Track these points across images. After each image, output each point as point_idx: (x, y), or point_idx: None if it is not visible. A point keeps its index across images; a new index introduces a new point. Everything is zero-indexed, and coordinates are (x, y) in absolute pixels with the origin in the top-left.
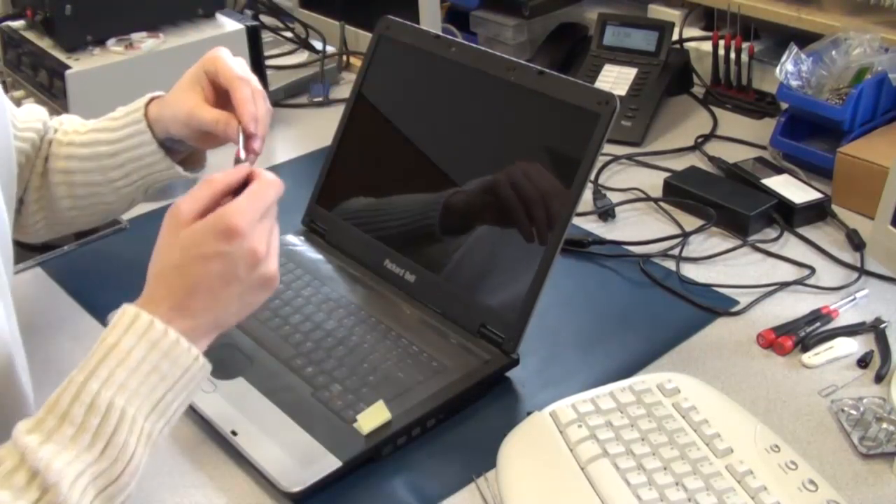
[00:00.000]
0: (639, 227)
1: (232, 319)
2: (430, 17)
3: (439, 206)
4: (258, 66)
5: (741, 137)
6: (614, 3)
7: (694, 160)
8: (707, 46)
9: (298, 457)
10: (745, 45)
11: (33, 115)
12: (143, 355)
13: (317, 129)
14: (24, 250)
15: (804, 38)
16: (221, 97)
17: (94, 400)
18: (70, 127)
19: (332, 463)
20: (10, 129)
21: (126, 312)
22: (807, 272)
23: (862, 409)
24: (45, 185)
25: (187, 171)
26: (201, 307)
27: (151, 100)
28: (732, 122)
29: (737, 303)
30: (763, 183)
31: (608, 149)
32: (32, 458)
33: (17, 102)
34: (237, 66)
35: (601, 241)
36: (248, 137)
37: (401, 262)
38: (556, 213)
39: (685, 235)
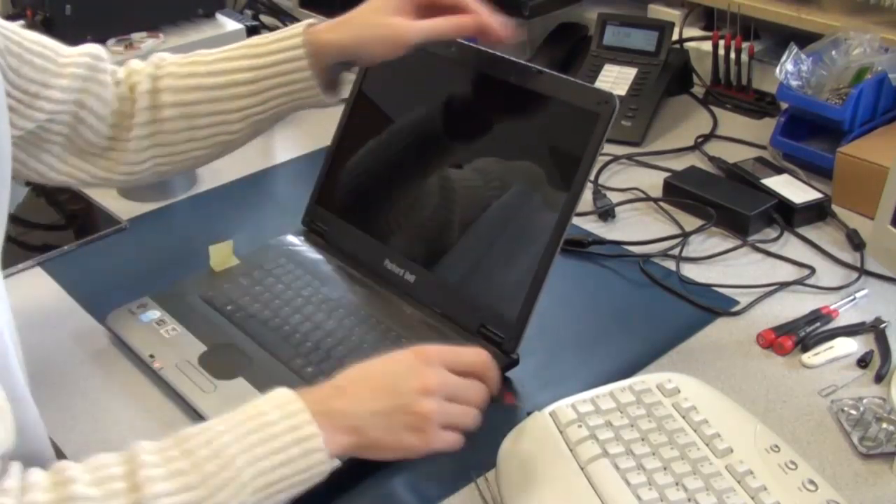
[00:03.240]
0: (639, 227)
1: (373, 434)
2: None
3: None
4: None
5: (741, 137)
6: (614, 3)
7: (694, 160)
8: (707, 46)
9: None
10: (745, 45)
11: (80, 48)
12: (282, 433)
13: (317, 129)
14: (25, 250)
15: (804, 38)
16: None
17: (221, 451)
18: (181, 59)
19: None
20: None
21: (284, 392)
22: (807, 272)
23: (862, 409)
24: (156, 120)
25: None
26: (355, 397)
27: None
28: (732, 122)
29: (737, 303)
30: (763, 183)
31: (608, 149)
32: (140, 474)
33: None
34: None
35: (601, 241)
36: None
37: (401, 262)
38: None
39: (685, 235)
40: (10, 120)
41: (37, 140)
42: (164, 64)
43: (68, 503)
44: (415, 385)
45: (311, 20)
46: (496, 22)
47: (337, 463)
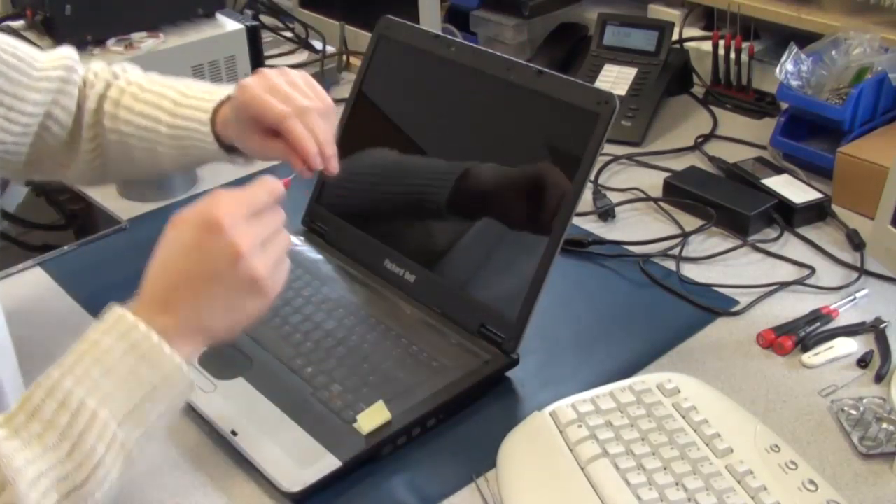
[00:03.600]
0: (639, 227)
1: (218, 323)
2: (430, 16)
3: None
4: (258, 66)
5: (741, 137)
6: (614, 3)
7: (694, 160)
8: (707, 46)
9: (298, 457)
10: (745, 45)
11: (54, 56)
12: (121, 356)
13: None
14: (25, 250)
15: (804, 38)
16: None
17: (66, 398)
18: (134, 78)
19: (332, 463)
20: None
21: (112, 312)
22: (807, 272)
23: (862, 409)
24: (97, 136)
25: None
26: (183, 302)
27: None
28: (732, 122)
29: (737, 303)
30: (763, 183)
31: (608, 149)
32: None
33: None
34: (273, 100)
35: (601, 241)
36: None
37: (401, 262)
38: (558, 215)
39: (685, 235)
40: None
41: (13, 148)
42: (118, 80)
43: None
44: (227, 258)
45: (229, 93)
46: (327, 158)
47: (188, 371)
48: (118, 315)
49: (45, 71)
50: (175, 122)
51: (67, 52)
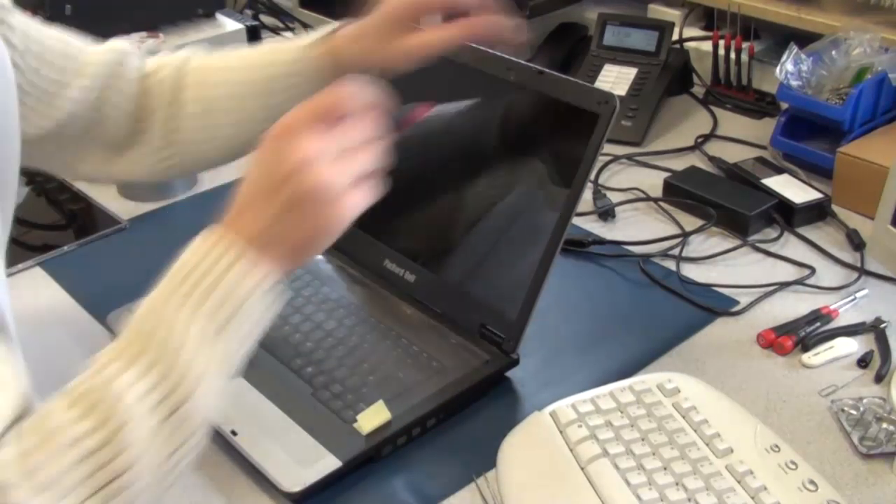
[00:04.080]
0: (639, 227)
1: (292, 235)
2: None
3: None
4: None
5: (741, 137)
6: (614, 3)
7: (694, 160)
8: (707, 46)
9: (298, 457)
10: (745, 45)
11: (105, 45)
12: (209, 268)
13: None
14: (24, 250)
15: (804, 38)
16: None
17: (164, 316)
18: (212, 54)
19: (332, 463)
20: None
21: (199, 236)
22: (807, 272)
23: (862, 409)
24: (177, 116)
25: None
26: (255, 215)
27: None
28: (732, 122)
29: (737, 303)
30: (763, 183)
31: (608, 149)
32: (102, 377)
33: None
34: None
35: (601, 241)
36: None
37: (401, 262)
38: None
39: (685, 235)
40: (29, 119)
41: (59, 137)
42: (193, 57)
43: (55, 435)
44: (294, 162)
45: (338, 23)
46: (507, 24)
47: (276, 281)
48: (204, 237)
49: (94, 55)
50: (283, 58)
51: (119, 42)
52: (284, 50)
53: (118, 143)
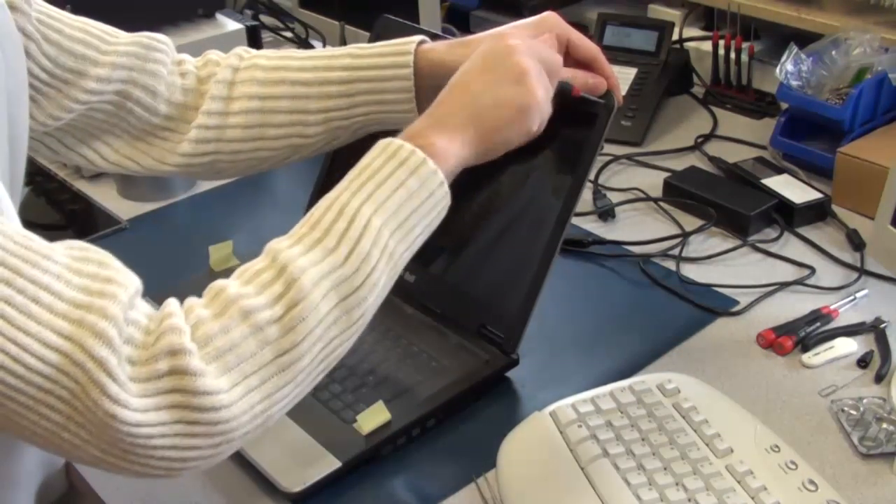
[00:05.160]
0: (639, 227)
1: (487, 113)
2: (430, 17)
3: None
4: None
5: (741, 137)
6: (614, 3)
7: (694, 160)
8: (707, 46)
9: (298, 457)
10: (745, 45)
11: (134, 34)
12: (392, 171)
13: None
14: None
15: (804, 38)
16: None
17: (343, 208)
18: (271, 53)
19: (331, 463)
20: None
21: (378, 143)
22: (807, 272)
23: (862, 409)
24: (228, 113)
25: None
26: (460, 94)
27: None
28: (732, 122)
29: (737, 303)
30: (763, 183)
31: (608, 149)
32: (281, 257)
33: None
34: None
35: (601, 241)
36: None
37: None
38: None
39: (685, 235)
40: (44, 107)
41: (83, 127)
42: (249, 56)
43: (230, 306)
44: (503, 49)
45: (422, 37)
46: (616, 85)
47: (447, 189)
48: (386, 142)
49: (116, 46)
50: (357, 63)
51: (149, 35)
52: (365, 50)
53: (147, 135)
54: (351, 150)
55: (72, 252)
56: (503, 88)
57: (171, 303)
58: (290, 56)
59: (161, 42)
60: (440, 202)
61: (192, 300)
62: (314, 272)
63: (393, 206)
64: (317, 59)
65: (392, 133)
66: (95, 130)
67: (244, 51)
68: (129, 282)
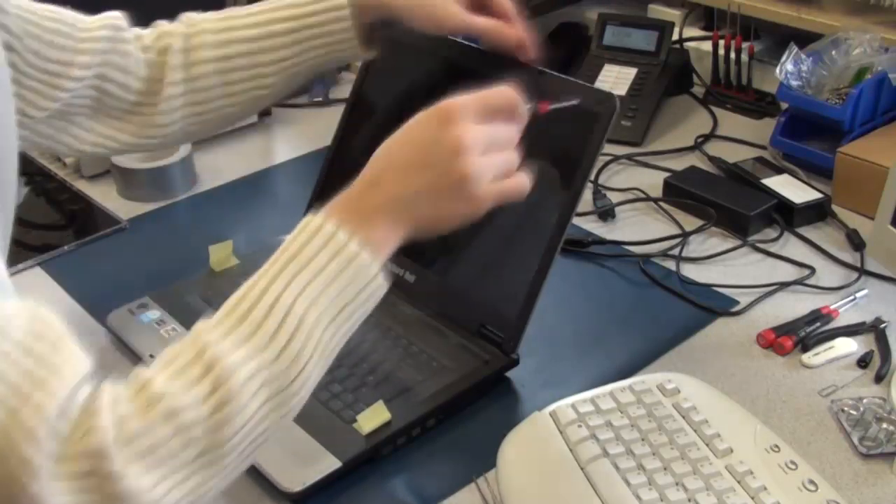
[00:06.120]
0: (639, 227)
1: (422, 212)
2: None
3: None
4: None
5: (741, 137)
6: (614, 3)
7: (694, 160)
8: (707, 46)
9: (298, 457)
10: (745, 45)
11: (98, 17)
12: (326, 262)
13: (317, 129)
14: (24, 250)
15: (804, 38)
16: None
17: (276, 302)
18: (215, 15)
19: (332, 463)
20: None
21: (310, 221)
22: (807, 272)
23: (862, 409)
24: (190, 79)
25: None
26: (393, 180)
27: None
28: (732, 122)
29: (737, 303)
30: (763, 183)
31: (608, 149)
32: (209, 353)
33: None
34: None
35: (601, 241)
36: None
37: (401, 261)
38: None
39: (685, 235)
40: (33, 101)
41: (62, 115)
42: (197, 21)
43: (155, 404)
44: (448, 148)
45: None
46: (531, 41)
47: (384, 279)
48: (318, 223)
49: (90, 31)
50: (298, 12)
51: (113, 13)
52: (290, 4)
53: (121, 112)
54: (351, 150)
55: (32, 326)
56: (444, 202)
57: (101, 395)
58: (233, 16)
59: (123, 20)
60: (376, 291)
61: (118, 392)
62: (244, 371)
63: (327, 300)
64: (259, 15)
65: (329, 193)
66: (73, 116)
67: (189, 17)
68: (76, 371)
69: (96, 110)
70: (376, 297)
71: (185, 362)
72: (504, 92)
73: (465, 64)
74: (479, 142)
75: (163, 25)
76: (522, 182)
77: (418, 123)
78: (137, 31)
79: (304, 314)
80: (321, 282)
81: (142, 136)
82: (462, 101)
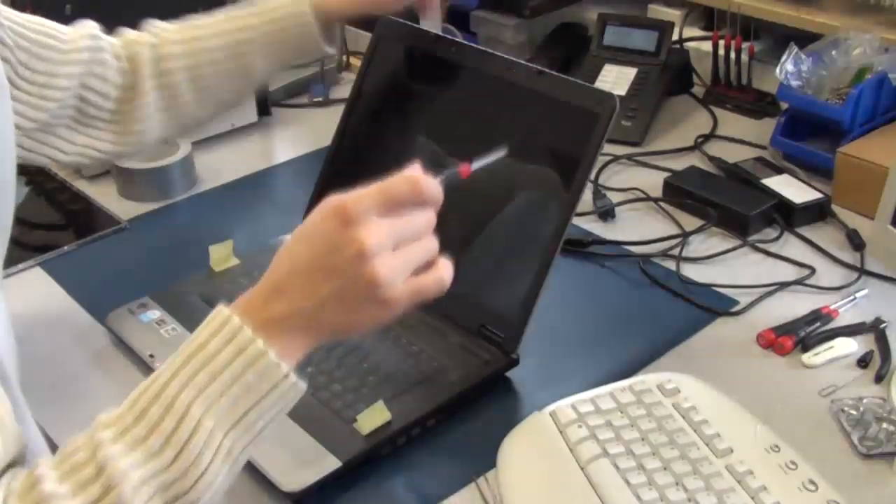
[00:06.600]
0: (639, 227)
1: (332, 320)
2: (431, 17)
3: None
4: None
5: (741, 137)
6: (614, 3)
7: (694, 160)
8: (707, 46)
9: (298, 457)
10: (745, 45)
11: (77, 27)
12: (228, 362)
13: (317, 129)
14: (24, 250)
15: (804, 38)
16: None
17: (173, 402)
18: (178, 26)
19: (332, 463)
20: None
21: (220, 312)
22: (807, 272)
23: (862, 409)
24: (163, 86)
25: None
26: (297, 290)
27: None
28: (732, 122)
29: (737, 303)
30: (763, 183)
31: (608, 149)
32: (101, 454)
33: None
34: None
35: (601, 241)
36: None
37: None
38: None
39: (685, 235)
40: (24, 113)
41: (46, 127)
42: (162, 31)
43: None
44: (350, 253)
45: None
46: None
47: (296, 379)
48: (225, 316)
49: (73, 42)
50: (262, 21)
51: (89, 22)
52: (250, 14)
53: (101, 121)
54: (351, 150)
55: None
56: (354, 309)
57: (1, 487)
58: (196, 26)
59: (98, 29)
60: (288, 392)
61: (12, 488)
62: (136, 476)
63: (227, 403)
64: (221, 24)
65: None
66: (55, 128)
67: (154, 27)
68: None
69: (77, 121)
70: (290, 397)
71: (80, 461)
72: (405, 179)
73: (465, 64)
74: (385, 241)
75: (128, 34)
76: (442, 275)
77: (315, 224)
78: (110, 39)
79: (201, 417)
80: (223, 382)
81: (119, 143)
82: (356, 199)
